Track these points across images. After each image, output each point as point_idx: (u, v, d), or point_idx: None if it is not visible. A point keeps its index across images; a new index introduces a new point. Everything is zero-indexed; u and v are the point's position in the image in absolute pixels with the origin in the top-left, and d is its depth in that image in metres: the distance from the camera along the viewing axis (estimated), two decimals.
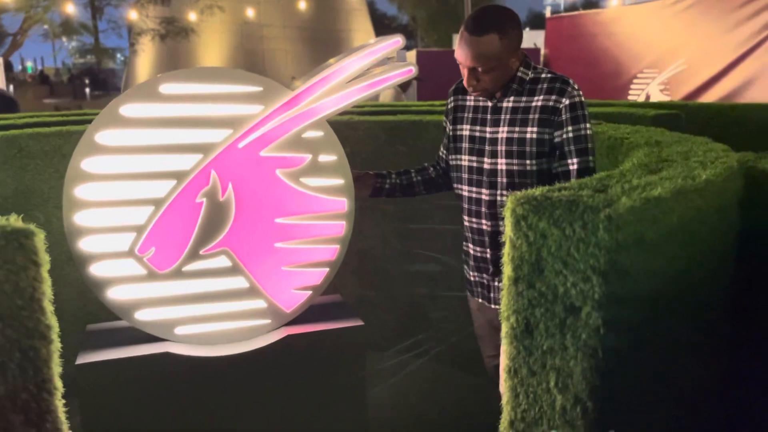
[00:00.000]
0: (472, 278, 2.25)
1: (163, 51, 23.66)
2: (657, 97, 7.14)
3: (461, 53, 1.97)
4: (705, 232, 1.46)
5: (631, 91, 7.58)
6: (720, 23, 6.64)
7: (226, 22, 19.52)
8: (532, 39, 13.79)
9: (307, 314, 2.36)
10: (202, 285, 2.22)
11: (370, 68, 2.21)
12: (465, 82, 2.04)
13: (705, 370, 1.63)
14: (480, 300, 2.24)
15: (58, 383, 1.18)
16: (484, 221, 2.11)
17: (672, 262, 1.37)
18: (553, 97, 1.97)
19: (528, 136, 1.99)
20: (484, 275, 2.19)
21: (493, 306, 2.20)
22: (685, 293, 1.43)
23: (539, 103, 1.98)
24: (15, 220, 1.13)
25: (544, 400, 1.38)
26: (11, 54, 13.38)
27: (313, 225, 2.29)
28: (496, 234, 2.09)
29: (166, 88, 2.08)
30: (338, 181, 2.29)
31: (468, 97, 2.16)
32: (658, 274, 1.33)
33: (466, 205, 2.18)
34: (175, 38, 17.18)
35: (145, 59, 22.63)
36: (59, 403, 1.17)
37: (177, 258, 2.16)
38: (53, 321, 1.17)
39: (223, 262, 2.22)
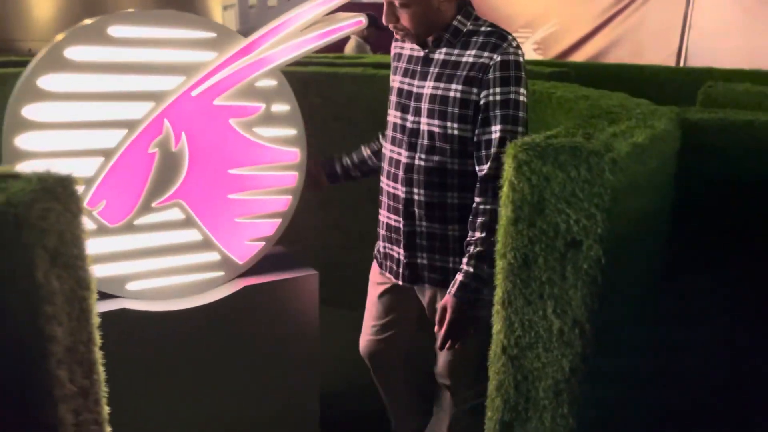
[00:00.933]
0: (381, 248, 2.05)
1: None
2: (531, 55, 7.65)
3: None
4: (665, 175, 1.69)
5: None
6: None
7: None
8: None
9: (261, 265, 2.36)
10: (155, 239, 2.14)
11: (324, 18, 2.21)
12: (383, 19, 1.83)
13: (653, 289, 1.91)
14: (387, 273, 2.04)
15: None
16: (399, 186, 1.88)
17: (648, 202, 1.58)
18: (486, 54, 1.72)
19: (452, 94, 1.75)
20: (395, 248, 1.97)
21: (399, 282, 2.00)
22: (652, 227, 1.65)
23: (470, 59, 1.74)
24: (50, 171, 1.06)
25: (541, 326, 1.55)
26: None
27: (265, 176, 2.28)
28: (410, 203, 1.87)
29: (115, 30, 1.94)
30: (291, 132, 2.29)
31: (405, 45, 1.93)
32: (641, 212, 1.54)
33: (385, 166, 1.96)
34: None
35: None
36: (99, 355, 1.14)
37: (129, 211, 2.06)
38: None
39: (176, 214, 2.16)
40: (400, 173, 1.87)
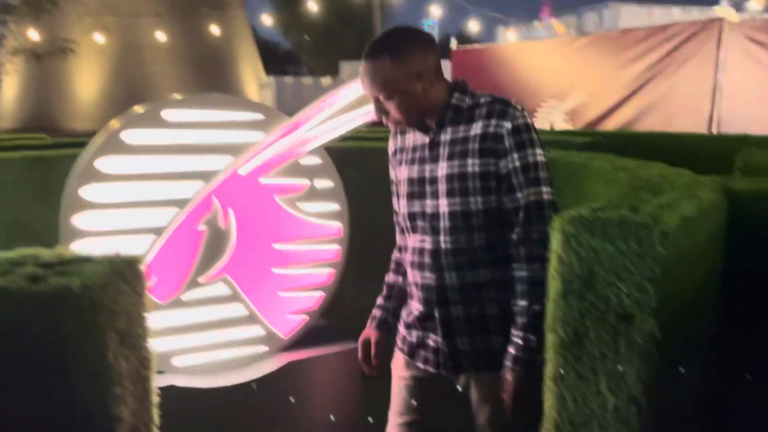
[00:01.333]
0: (412, 338, 1.87)
1: (32, 73, 22.13)
2: (560, 125, 7.76)
3: (363, 84, 1.73)
4: (715, 246, 1.68)
5: (535, 120, 8.18)
6: (615, 60, 7.40)
7: (105, 43, 18.65)
8: None
9: (303, 339, 2.37)
10: (202, 314, 2.18)
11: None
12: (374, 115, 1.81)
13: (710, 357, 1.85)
14: (421, 364, 1.87)
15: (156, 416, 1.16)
16: (429, 274, 1.78)
17: (699, 274, 1.56)
18: (494, 122, 1.67)
19: (469, 169, 1.69)
20: (431, 335, 1.82)
21: (435, 371, 1.85)
22: (704, 299, 1.63)
23: (479, 131, 1.69)
24: (119, 252, 1.10)
25: (595, 403, 1.51)
26: None
27: (309, 250, 2.32)
28: (442, 289, 1.76)
29: (169, 114, 2.05)
30: (334, 207, 2.34)
31: (408, 137, 1.86)
32: (693, 284, 1.52)
33: (409, 257, 1.85)
34: (52, 59, 16.15)
35: (10, 81, 21.05)
36: None
37: (178, 288, 2.11)
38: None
39: (222, 289, 2.20)
40: (428, 260, 1.77)
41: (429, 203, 1.76)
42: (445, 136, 1.74)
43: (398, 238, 1.99)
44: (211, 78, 25.92)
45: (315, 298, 2.36)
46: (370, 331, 1.98)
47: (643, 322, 1.43)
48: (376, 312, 2.00)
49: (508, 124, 1.67)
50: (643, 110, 7.18)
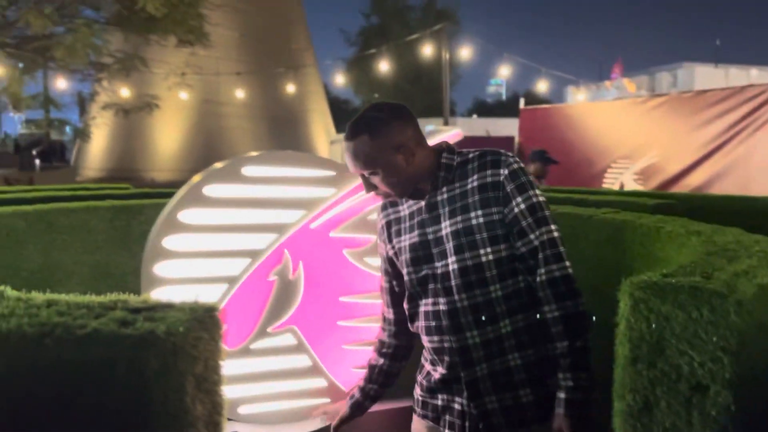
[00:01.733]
0: (436, 402, 1.81)
1: (118, 126, 23.57)
2: (631, 186, 7.62)
3: (347, 162, 1.76)
4: None
5: (605, 180, 8.08)
6: (689, 121, 7.27)
7: (186, 99, 19.73)
8: (483, 126, 14.46)
9: None
10: (268, 363, 2.23)
11: None
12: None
13: None
14: (444, 429, 1.80)
15: None
16: (446, 337, 1.73)
17: None
18: (489, 172, 1.69)
19: (473, 222, 1.69)
20: (456, 399, 1.76)
21: None
22: None
23: (476, 183, 1.70)
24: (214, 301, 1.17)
25: None
26: None
27: (373, 304, 2.35)
28: (465, 349, 1.71)
29: (248, 170, 2.16)
30: None
31: (400, 208, 1.86)
32: None
33: (423, 323, 1.80)
34: (138, 113, 17.17)
35: (98, 133, 22.46)
36: None
37: (247, 336, 2.17)
38: None
39: (288, 340, 2.25)
40: (445, 322, 1.72)
41: (438, 264, 1.74)
42: (442, 196, 1.75)
43: (385, 313, 2.01)
44: (283, 133, 26.91)
45: None
46: (342, 406, 2.05)
47: (717, 394, 1.38)
48: (356, 392, 2.04)
49: (504, 171, 1.69)
50: (719, 173, 6.97)
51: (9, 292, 1.18)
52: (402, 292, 1.89)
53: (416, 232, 1.79)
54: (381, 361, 2.00)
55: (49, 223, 3.10)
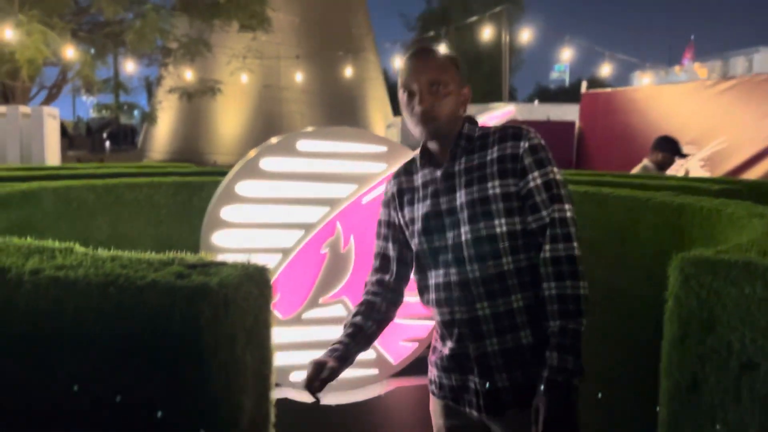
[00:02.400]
0: (452, 382, 1.76)
1: (182, 109, 24.28)
2: (697, 172, 7.33)
3: (418, 70, 1.66)
4: None
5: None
6: (761, 106, 6.92)
7: (247, 84, 20.14)
8: (544, 112, 14.21)
9: (411, 367, 2.42)
10: (319, 333, 2.29)
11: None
12: (419, 104, 1.68)
13: None
14: (467, 408, 1.74)
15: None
16: (456, 308, 1.69)
17: None
18: (509, 144, 1.67)
19: (490, 192, 1.66)
20: (470, 377, 1.71)
21: (478, 416, 1.71)
22: None
23: (495, 154, 1.68)
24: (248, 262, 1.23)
25: None
26: (46, 105, 13.75)
27: None
28: (475, 321, 1.66)
29: (302, 144, 2.22)
30: None
31: (414, 177, 1.82)
32: None
33: (433, 295, 1.76)
34: (202, 97, 17.65)
35: (164, 117, 23.21)
36: None
37: (299, 305, 2.24)
38: None
39: (339, 311, 2.30)
40: (456, 293, 1.68)
41: (450, 234, 1.70)
42: (460, 166, 1.71)
43: (373, 279, 1.90)
44: (341, 118, 27.11)
45: (427, 327, 2.41)
46: (327, 358, 1.77)
47: None
48: (338, 346, 1.80)
49: (524, 144, 1.66)
50: None
51: (77, 248, 1.27)
52: (397, 258, 1.85)
53: (429, 202, 1.75)
54: (368, 324, 1.87)
55: (117, 196, 3.26)
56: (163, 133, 26.97)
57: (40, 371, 1.04)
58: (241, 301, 1.06)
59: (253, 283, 1.12)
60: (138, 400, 0.99)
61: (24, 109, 8.23)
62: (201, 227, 2.20)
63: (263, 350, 1.17)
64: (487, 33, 12.84)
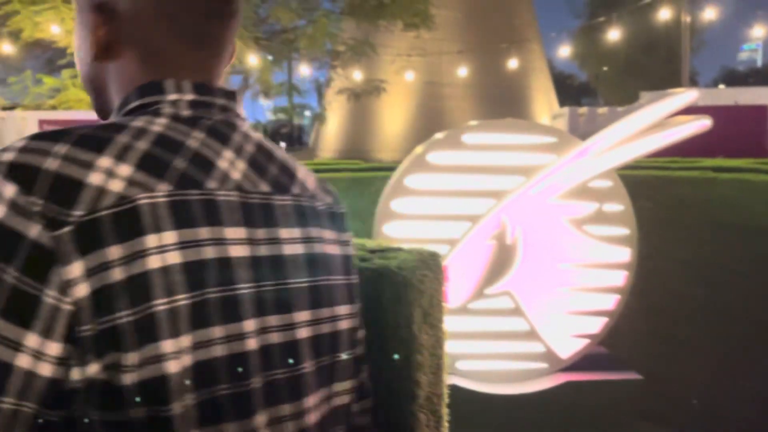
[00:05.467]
0: None
1: (349, 109, 25.35)
2: None
3: None
4: None
5: None
6: None
7: (410, 81, 20.55)
8: (731, 96, 12.88)
9: (582, 362, 2.36)
10: (485, 323, 2.32)
11: (664, 121, 2.23)
12: None
13: None
14: None
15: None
16: None
17: None
18: None
19: None
20: None
21: None
22: None
23: None
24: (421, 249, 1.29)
25: None
26: None
27: (594, 273, 2.32)
28: None
29: (469, 137, 2.26)
30: (622, 231, 2.31)
31: None
32: None
33: None
34: (368, 97, 18.33)
35: (332, 117, 24.39)
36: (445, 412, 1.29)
37: (465, 295, 2.29)
38: None
39: (505, 303, 2.31)
40: None
41: None
42: None
43: None
44: (505, 112, 26.63)
45: (598, 323, 2.34)
46: None
47: None
48: None
49: None
50: None
51: None
52: None
53: None
54: None
55: None
56: (331, 133, 28.37)
57: None
58: (418, 283, 1.13)
59: (427, 267, 1.18)
60: None
61: None
62: (371, 219, 2.32)
63: (437, 331, 1.23)
64: (665, 15, 11.95)
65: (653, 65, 28.10)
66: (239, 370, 0.57)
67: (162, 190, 0.54)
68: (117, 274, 0.50)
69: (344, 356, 0.68)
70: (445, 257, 2.25)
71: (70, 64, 13.03)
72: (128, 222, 0.52)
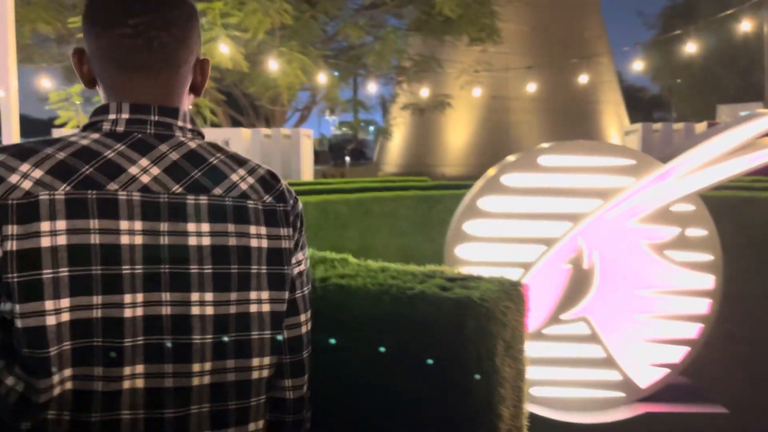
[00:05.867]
0: None
1: (413, 124, 25.39)
2: None
3: None
4: None
5: None
6: None
7: (476, 96, 20.43)
8: None
9: (662, 393, 2.27)
10: (560, 349, 2.26)
11: (754, 141, 2.13)
12: None
13: None
14: None
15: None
16: None
17: None
18: None
19: None
20: None
21: None
22: None
23: None
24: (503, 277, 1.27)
25: None
26: (299, 126, 15.45)
27: (676, 300, 2.23)
28: None
29: (545, 159, 2.22)
30: (706, 257, 2.21)
31: None
32: None
33: None
34: (432, 112, 18.36)
35: (396, 131, 24.51)
36: None
37: (540, 320, 2.24)
38: None
39: (581, 328, 2.25)
40: None
41: None
42: None
43: None
44: (572, 126, 26.09)
45: (679, 352, 2.25)
46: None
47: None
48: None
49: None
50: None
51: (350, 258, 1.43)
52: None
53: None
54: None
55: (366, 209, 3.56)
56: (395, 147, 28.50)
57: (328, 367, 1.20)
58: (500, 314, 1.12)
59: (509, 298, 1.16)
60: (409, 399, 1.10)
61: (284, 131, 9.37)
62: (439, 239, 2.32)
63: (519, 363, 1.22)
64: (746, 27, 11.47)
65: (730, 78, 26.98)
66: (113, 330, 0.73)
67: (62, 190, 0.72)
68: (14, 246, 0.70)
69: (254, 335, 0.80)
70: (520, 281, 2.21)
71: None
72: (28, 211, 0.70)
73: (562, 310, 2.24)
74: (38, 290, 0.70)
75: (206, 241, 0.78)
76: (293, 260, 0.86)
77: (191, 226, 0.77)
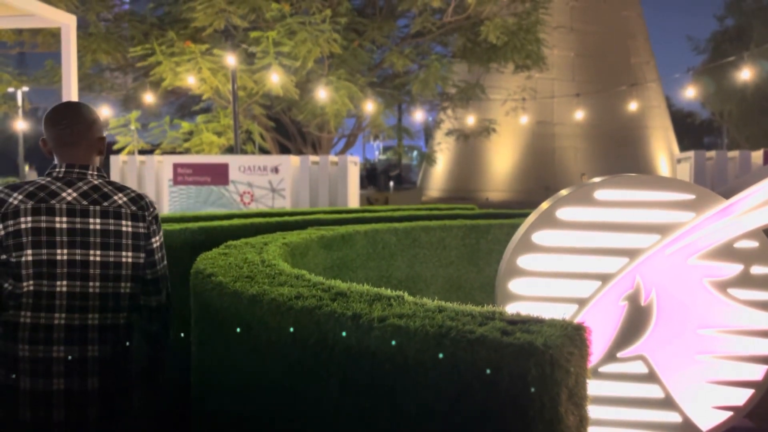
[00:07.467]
0: None
1: (457, 149, 25.41)
2: None
3: None
4: None
5: None
6: None
7: (522, 122, 20.35)
8: None
9: None
10: (616, 388, 2.19)
11: None
12: None
13: None
14: None
15: None
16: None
17: None
18: None
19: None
20: None
21: None
22: None
23: None
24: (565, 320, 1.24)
25: None
26: (345, 152, 15.64)
27: (739, 340, 2.14)
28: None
29: (601, 194, 2.18)
30: None
31: None
32: None
33: None
34: (477, 138, 18.35)
35: (442, 158, 24.55)
36: None
37: (596, 358, 2.18)
38: None
39: (638, 367, 2.18)
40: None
41: None
42: None
43: None
44: (619, 152, 25.75)
45: (744, 394, 2.16)
46: None
47: None
48: None
49: None
50: None
51: (407, 297, 1.42)
52: None
53: None
54: None
55: (414, 239, 3.55)
56: (438, 172, 28.53)
57: (383, 409, 1.19)
58: (564, 361, 1.09)
59: (573, 344, 1.14)
60: None
61: (332, 158, 9.49)
62: (487, 269, 2.29)
63: (582, 410, 1.18)
64: None
65: None
66: (51, 265, 1.65)
67: (29, 204, 1.64)
68: (8, 228, 1.64)
69: (122, 273, 1.72)
70: (573, 318, 2.16)
71: (203, 110, 14.08)
72: (14, 214, 1.63)
73: (618, 348, 2.18)
74: (20, 246, 1.63)
75: (98, 227, 1.68)
76: (152, 240, 1.78)
77: (91, 220, 1.67)
